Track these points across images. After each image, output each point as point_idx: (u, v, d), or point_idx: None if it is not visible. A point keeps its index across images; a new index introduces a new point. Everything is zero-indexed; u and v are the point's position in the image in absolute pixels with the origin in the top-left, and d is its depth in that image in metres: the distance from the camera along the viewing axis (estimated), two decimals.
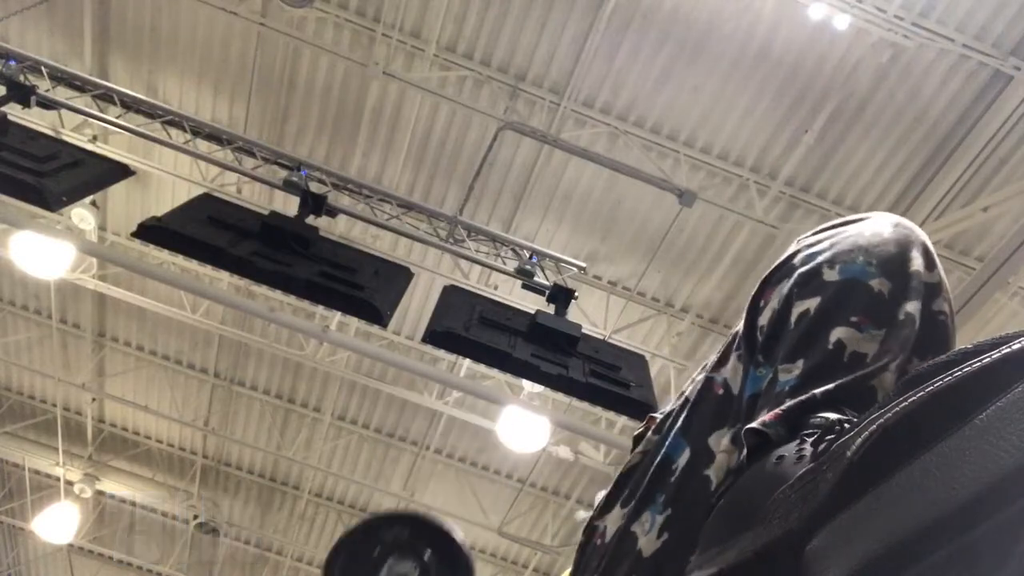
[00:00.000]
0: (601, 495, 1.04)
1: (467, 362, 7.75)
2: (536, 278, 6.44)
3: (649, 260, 7.42)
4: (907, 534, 0.47)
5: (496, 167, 7.07)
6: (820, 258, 0.88)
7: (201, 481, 10.51)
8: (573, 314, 6.25)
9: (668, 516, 0.89)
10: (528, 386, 7.43)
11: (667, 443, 0.96)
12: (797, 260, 0.91)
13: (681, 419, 0.97)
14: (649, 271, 7.51)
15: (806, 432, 0.69)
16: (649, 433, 1.03)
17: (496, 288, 7.30)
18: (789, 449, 0.67)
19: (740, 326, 0.97)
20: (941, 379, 0.52)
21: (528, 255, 6.60)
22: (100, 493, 10.66)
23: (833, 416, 0.70)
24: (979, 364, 0.50)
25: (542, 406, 7.45)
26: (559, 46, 6.51)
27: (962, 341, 0.72)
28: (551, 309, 6.22)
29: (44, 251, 6.83)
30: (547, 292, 6.32)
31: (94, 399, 9.85)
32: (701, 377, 0.99)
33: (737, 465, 0.74)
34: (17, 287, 9.01)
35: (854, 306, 0.82)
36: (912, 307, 0.82)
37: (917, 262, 0.86)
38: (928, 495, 0.48)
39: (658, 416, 1.05)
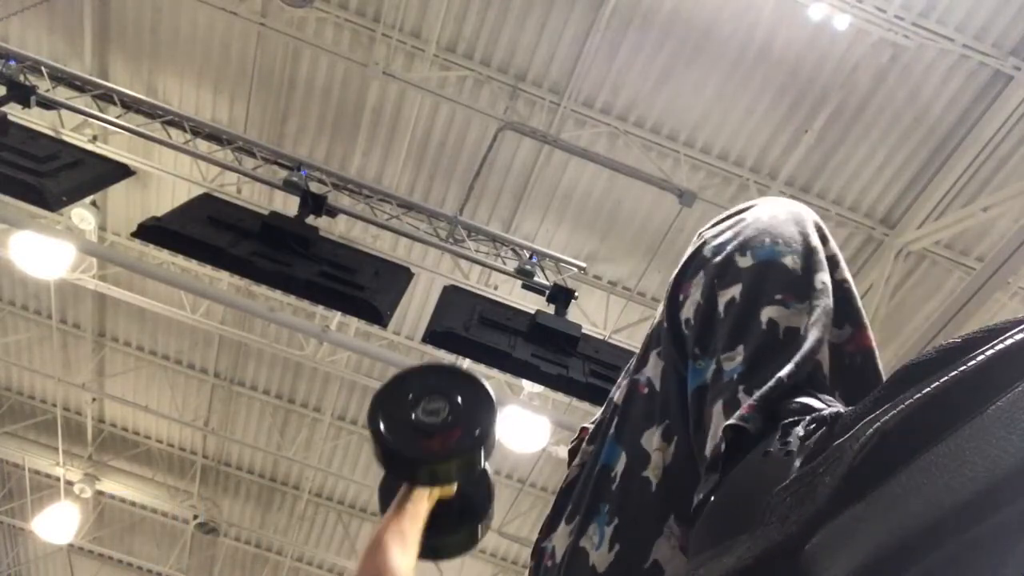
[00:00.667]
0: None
1: (467, 362, 7.74)
2: (536, 278, 6.44)
3: (649, 260, 7.42)
4: (907, 534, 0.47)
5: (496, 167, 7.07)
6: (729, 247, 0.90)
7: (201, 481, 10.51)
8: (573, 314, 6.25)
9: (616, 526, 0.88)
10: (528, 386, 7.42)
11: (603, 451, 0.96)
12: (707, 252, 0.93)
13: (613, 425, 0.97)
14: (649, 271, 7.51)
15: (786, 421, 0.68)
16: (584, 444, 1.03)
17: (496, 288, 7.30)
18: (773, 443, 0.67)
19: (656, 323, 0.98)
20: (936, 379, 0.52)
21: (528, 255, 6.60)
22: (100, 493, 10.65)
23: (811, 403, 0.71)
24: (974, 365, 0.50)
25: (542, 406, 7.45)
26: (559, 46, 6.51)
27: None
28: (551, 309, 6.22)
29: (44, 251, 6.83)
30: (547, 292, 6.32)
31: (94, 399, 9.84)
32: (625, 382, 1.00)
33: (711, 462, 0.74)
34: (17, 287, 9.01)
35: (775, 285, 0.84)
36: (824, 277, 0.85)
37: (814, 237, 0.89)
38: (928, 495, 0.47)
39: (589, 426, 1.05)
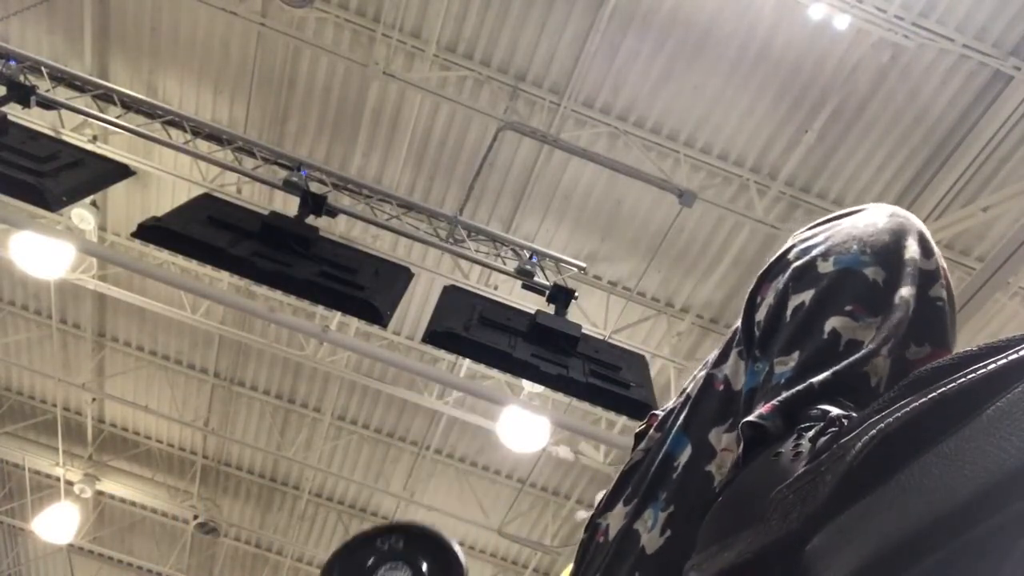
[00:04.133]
0: (602, 495, 1.04)
1: (467, 362, 7.75)
2: (536, 278, 6.44)
3: (649, 260, 7.42)
4: (907, 534, 0.47)
5: (496, 167, 7.07)
6: (815, 251, 0.88)
7: (201, 481, 10.51)
8: (573, 314, 6.25)
9: (671, 513, 0.89)
10: (528, 386, 7.43)
11: (669, 440, 0.96)
12: (792, 255, 0.91)
13: (683, 416, 0.97)
14: (649, 271, 7.51)
15: (802, 426, 0.68)
16: (651, 431, 1.03)
17: (496, 288, 7.30)
18: (786, 445, 0.67)
19: (739, 323, 0.97)
20: (944, 385, 0.51)
21: (528, 255, 6.60)
22: (100, 493, 10.66)
23: (830, 409, 0.70)
24: (984, 372, 0.50)
25: (542, 406, 7.45)
26: (559, 46, 6.51)
27: (962, 341, 0.72)
28: (551, 309, 6.22)
29: (44, 251, 6.83)
30: (547, 292, 6.32)
31: (94, 399, 9.85)
32: (702, 374, 0.99)
33: (735, 460, 0.74)
34: (17, 287, 9.01)
35: (848, 295, 0.82)
36: (906, 292, 0.82)
37: (912, 249, 0.86)
38: (928, 495, 0.48)
39: (660, 413, 1.05)
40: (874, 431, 0.53)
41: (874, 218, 0.89)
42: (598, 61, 6.49)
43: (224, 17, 6.68)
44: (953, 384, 0.51)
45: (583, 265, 6.79)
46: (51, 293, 8.67)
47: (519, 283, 6.53)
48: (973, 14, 5.71)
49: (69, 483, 10.36)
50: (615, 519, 0.97)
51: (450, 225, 6.63)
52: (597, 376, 5.70)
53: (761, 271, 0.95)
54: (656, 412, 1.06)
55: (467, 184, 6.83)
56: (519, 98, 6.80)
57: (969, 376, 0.50)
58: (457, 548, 0.81)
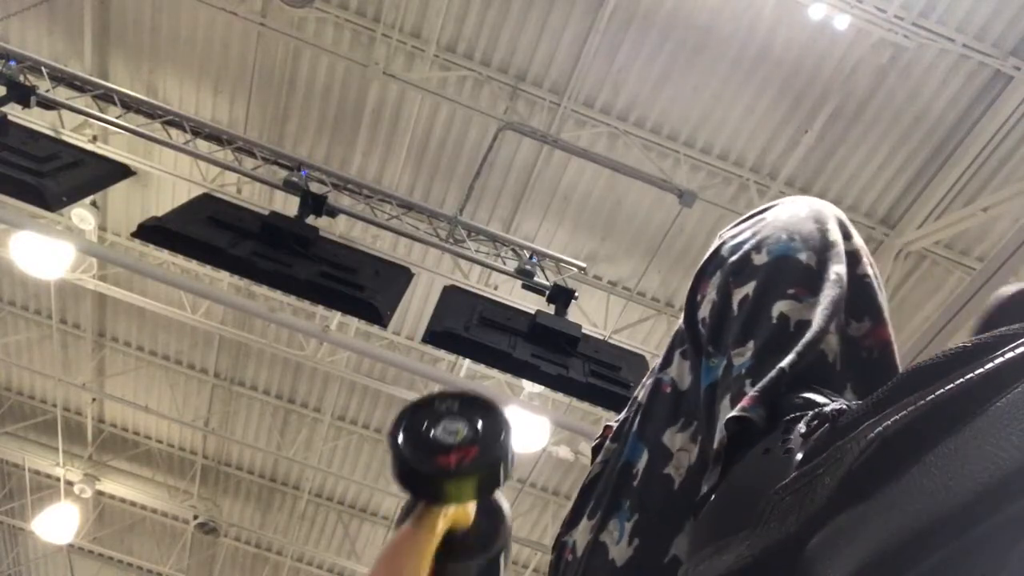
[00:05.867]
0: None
1: (467, 362, 7.75)
2: (536, 278, 6.44)
3: (649, 260, 7.42)
4: (907, 535, 0.47)
5: (496, 167, 7.07)
6: (746, 246, 0.91)
7: (201, 481, 10.51)
8: (573, 314, 6.25)
9: (636, 521, 0.89)
10: (528, 386, 7.43)
11: (626, 448, 0.97)
12: (724, 251, 0.94)
13: (636, 423, 0.98)
14: (649, 271, 7.51)
15: (788, 418, 0.69)
16: (607, 442, 1.04)
17: (496, 288, 7.30)
18: (775, 440, 0.67)
19: (680, 323, 0.99)
20: (940, 386, 0.51)
21: (528, 255, 6.60)
22: (100, 493, 10.65)
23: (814, 398, 0.70)
24: (981, 372, 0.50)
25: (542, 406, 7.45)
26: (559, 46, 6.51)
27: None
28: (551, 309, 6.22)
29: (44, 251, 6.84)
30: (547, 292, 6.32)
31: (94, 399, 9.85)
32: (649, 381, 1.01)
33: (713, 456, 0.74)
34: (17, 287, 9.01)
35: (788, 280, 0.85)
36: (839, 269, 0.85)
37: (835, 233, 0.89)
38: (928, 496, 0.47)
39: (613, 424, 1.06)
40: (872, 434, 0.53)
41: (795, 209, 0.93)
42: (598, 61, 6.49)
43: (224, 17, 6.68)
44: (951, 386, 0.51)
45: (583, 265, 6.79)
46: (51, 293, 8.67)
47: (519, 283, 6.53)
48: (973, 14, 5.71)
49: (69, 483, 10.36)
50: (581, 535, 0.97)
51: (450, 225, 6.63)
52: (597, 376, 5.70)
53: (697, 270, 0.97)
54: (610, 423, 1.07)
55: (467, 184, 6.83)
56: (519, 98, 6.80)
57: (967, 377, 0.50)
58: (503, 408, 0.90)
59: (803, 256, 0.86)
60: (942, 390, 0.51)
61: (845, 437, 0.56)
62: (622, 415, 1.05)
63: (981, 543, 0.45)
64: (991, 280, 5.15)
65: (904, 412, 0.52)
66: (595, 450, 1.06)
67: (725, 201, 6.85)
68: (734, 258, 0.91)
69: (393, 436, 0.87)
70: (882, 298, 0.88)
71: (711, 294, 0.92)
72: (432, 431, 0.86)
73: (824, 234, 0.88)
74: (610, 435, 1.04)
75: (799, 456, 0.62)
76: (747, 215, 0.98)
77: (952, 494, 0.46)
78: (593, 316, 7.49)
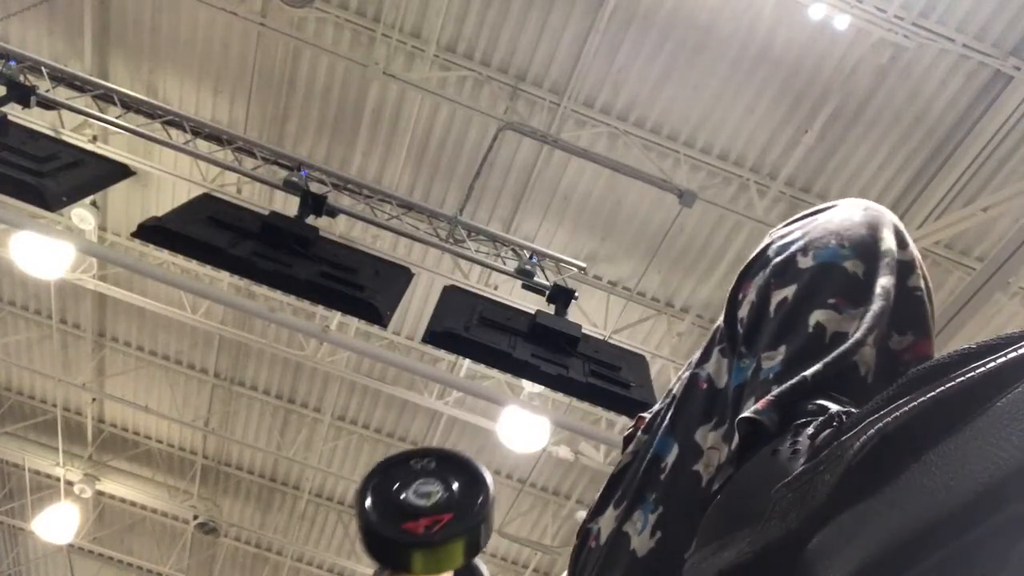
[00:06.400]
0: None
1: (467, 362, 7.75)
2: (536, 278, 6.44)
3: (649, 260, 7.42)
4: (908, 535, 0.47)
5: (496, 167, 7.07)
6: (794, 247, 0.89)
7: (201, 481, 10.51)
8: (573, 314, 6.25)
9: (660, 514, 0.89)
10: (528, 386, 7.43)
11: (656, 441, 0.96)
12: (771, 251, 0.92)
13: (668, 417, 0.97)
14: (649, 271, 7.51)
15: (799, 422, 0.68)
16: (639, 433, 1.03)
17: (496, 288, 7.30)
18: (783, 442, 0.67)
19: (721, 321, 0.98)
20: (942, 384, 0.51)
21: (528, 255, 6.60)
22: (100, 493, 10.65)
23: (827, 405, 0.70)
24: (983, 370, 0.50)
25: (542, 406, 7.44)
26: (559, 46, 6.51)
27: (962, 341, 0.72)
28: (551, 309, 6.22)
29: (44, 251, 6.83)
30: (547, 292, 6.32)
31: (94, 399, 9.85)
32: (686, 374, 1.00)
33: (728, 457, 0.74)
34: (17, 287, 9.01)
35: (831, 288, 0.83)
36: (886, 282, 0.83)
37: (889, 241, 0.87)
38: (928, 495, 0.48)
39: (647, 416, 1.05)
40: (873, 430, 0.53)
41: (849, 213, 0.91)
42: (598, 61, 6.49)
43: (224, 17, 6.68)
44: (952, 383, 0.51)
45: (583, 265, 6.78)
46: (51, 293, 8.67)
47: (519, 283, 6.53)
48: (973, 14, 5.71)
49: (69, 483, 10.36)
50: (606, 523, 0.97)
51: (450, 225, 6.63)
52: (597, 376, 5.69)
53: (741, 269, 0.95)
54: (643, 414, 1.07)
55: (467, 184, 6.83)
56: (519, 98, 6.80)
57: (968, 375, 0.50)
58: (484, 470, 0.84)
59: (849, 264, 0.84)
60: (943, 388, 0.51)
61: (848, 434, 0.57)
62: (656, 406, 1.04)
63: (981, 543, 0.45)
64: (991, 280, 5.15)
65: (904, 410, 0.52)
66: (627, 440, 1.05)
67: (725, 201, 6.85)
68: (779, 258, 0.89)
69: (360, 496, 0.81)
70: (930, 312, 0.85)
71: (751, 294, 0.91)
72: (403, 493, 0.80)
73: (876, 243, 0.86)
74: (643, 426, 1.03)
75: (803, 457, 0.62)
76: (801, 215, 0.96)
77: (952, 493, 0.46)
78: (593, 316, 7.49)
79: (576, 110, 6.76)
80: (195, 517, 10.56)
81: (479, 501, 0.80)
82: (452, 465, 0.84)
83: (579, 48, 6.44)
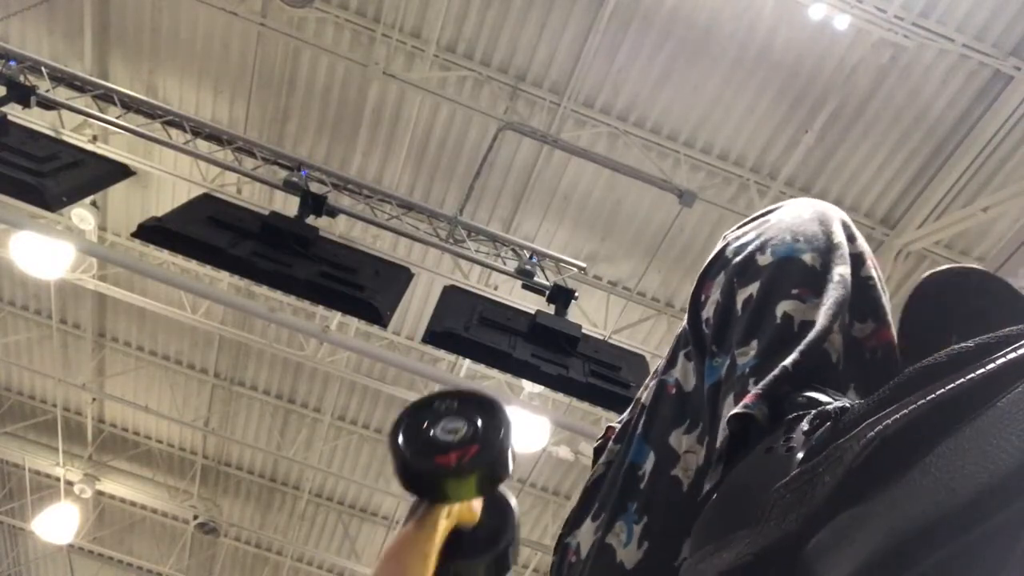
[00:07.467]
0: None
1: (467, 362, 7.75)
2: (536, 278, 6.44)
3: (649, 260, 7.42)
4: (908, 535, 0.47)
5: (496, 167, 7.07)
6: (751, 247, 0.91)
7: (201, 481, 10.51)
8: (573, 314, 6.25)
9: (645, 524, 0.89)
10: (528, 386, 7.42)
11: (631, 450, 0.97)
12: (729, 252, 0.94)
13: (641, 424, 0.98)
14: (649, 271, 7.51)
15: (790, 416, 0.69)
16: (610, 443, 1.03)
17: (496, 288, 7.30)
18: (776, 439, 0.67)
19: (684, 325, 0.99)
20: (941, 386, 0.51)
21: (528, 255, 6.60)
22: (100, 493, 10.65)
23: (817, 397, 0.71)
24: (982, 372, 0.50)
25: (542, 406, 7.45)
26: (559, 46, 6.51)
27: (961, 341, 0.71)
28: (551, 309, 6.22)
29: (44, 251, 6.83)
30: (547, 292, 6.32)
31: (94, 399, 9.84)
32: (653, 382, 1.01)
33: (717, 455, 0.74)
34: (17, 287, 9.01)
35: (792, 280, 0.85)
36: (843, 271, 0.85)
37: (839, 235, 0.90)
38: (928, 496, 0.47)
39: (616, 425, 1.05)
40: (873, 432, 0.53)
41: (798, 211, 0.94)
42: (598, 61, 6.49)
43: (224, 17, 6.67)
44: (952, 385, 0.51)
45: (583, 265, 6.78)
46: (51, 293, 8.67)
47: (519, 283, 6.53)
48: (973, 14, 5.71)
49: (69, 483, 10.35)
50: (585, 536, 0.96)
51: (450, 225, 6.62)
52: (597, 376, 5.69)
53: (701, 271, 0.98)
54: (612, 424, 1.07)
55: (467, 184, 6.83)
56: (519, 98, 6.80)
57: (969, 377, 0.50)
58: (502, 404, 0.91)
59: (807, 257, 0.86)
60: (943, 390, 0.51)
61: (846, 436, 0.57)
62: (624, 416, 1.05)
63: (981, 543, 0.45)
64: None
65: (904, 412, 0.52)
66: (597, 451, 1.06)
67: (725, 201, 6.85)
68: (738, 259, 0.91)
69: (393, 437, 0.88)
70: (885, 300, 0.88)
71: (715, 295, 0.92)
72: (432, 431, 0.87)
73: (829, 236, 0.89)
74: (613, 436, 1.04)
75: (800, 455, 0.62)
76: (751, 217, 0.98)
77: (952, 494, 0.46)
78: (593, 316, 7.49)
79: (576, 110, 6.76)
80: (195, 517, 10.56)
81: (501, 432, 0.87)
82: (473, 403, 0.91)
83: (579, 48, 6.44)
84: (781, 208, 0.96)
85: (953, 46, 5.82)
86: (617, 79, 6.59)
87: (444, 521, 0.87)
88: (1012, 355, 0.50)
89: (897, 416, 0.52)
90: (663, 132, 6.82)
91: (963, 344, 0.54)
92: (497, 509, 0.97)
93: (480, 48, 6.67)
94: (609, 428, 1.07)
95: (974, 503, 0.45)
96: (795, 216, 0.93)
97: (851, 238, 0.90)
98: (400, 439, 0.87)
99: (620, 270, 7.62)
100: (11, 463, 10.79)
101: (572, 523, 1.01)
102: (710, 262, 0.97)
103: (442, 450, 0.85)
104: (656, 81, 6.54)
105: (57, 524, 10.11)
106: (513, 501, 0.99)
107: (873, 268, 0.89)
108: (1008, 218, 6.04)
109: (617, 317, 7.67)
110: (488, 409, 0.90)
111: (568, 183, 7.17)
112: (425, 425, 0.88)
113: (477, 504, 0.93)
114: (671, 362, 1.00)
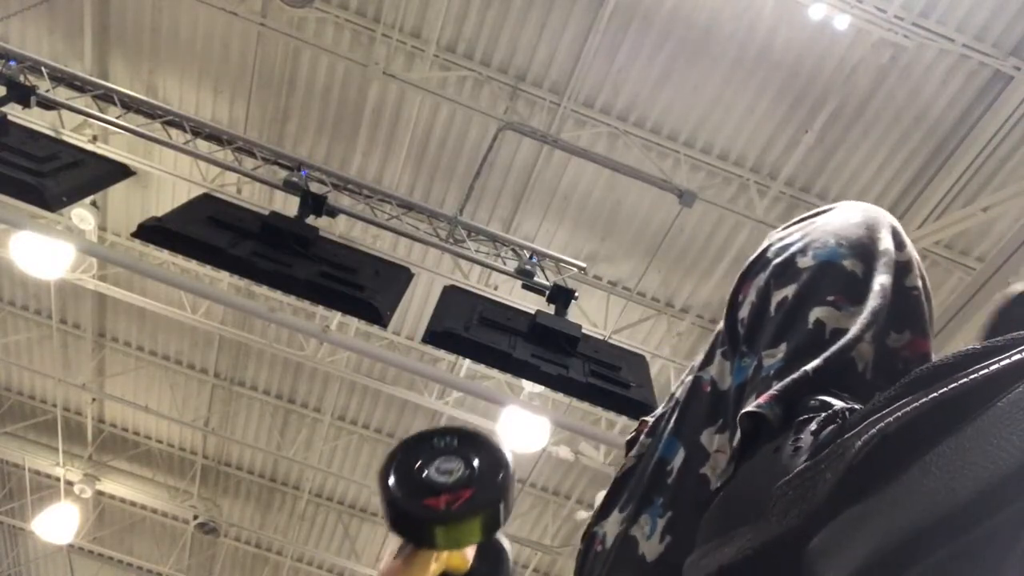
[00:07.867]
0: (601, 496, 1.04)
1: (467, 362, 7.75)
2: (536, 278, 6.44)
3: (649, 260, 7.42)
4: (908, 534, 0.47)
5: (496, 167, 7.07)
6: (793, 248, 0.90)
7: (201, 481, 10.51)
8: (573, 314, 6.25)
9: (669, 518, 0.89)
10: (528, 386, 7.43)
11: (661, 445, 0.96)
12: (770, 253, 0.93)
13: (673, 420, 0.98)
14: (649, 271, 7.51)
15: (801, 418, 0.69)
16: (642, 437, 1.03)
17: (496, 288, 7.30)
18: (785, 440, 0.67)
19: (722, 323, 0.98)
20: (944, 385, 0.51)
21: (528, 255, 6.60)
22: (100, 493, 10.65)
23: (830, 401, 0.70)
24: (985, 372, 0.50)
25: (542, 406, 7.44)
26: (559, 46, 6.51)
27: (962, 341, 0.72)
28: (551, 309, 6.22)
29: (44, 251, 6.83)
30: (547, 292, 6.32)
31: (94, 399, 9.85)
32: (689, 378, 1.00)
33: (730, 455, 0.74)
34: (17, 287, 9.01)
35: (830, 286, 0.84)
36: (884, 280, 0.84)
37: (886, 242, 0.88)
38: (929, 495, 0.48)
39: (650, 420, 1.05)
40: (874, 430, 0.53)
41: (847, 214, 0.92)
42: (598, 61, 6.49)
43: (224, 17, 6.68)
44: (954, 385, 0.51)
45: (583, 265, 6.78)
46: (51, 293, 8.67)
47: (519, 283, 6.53)
48: (973, 14, 5.71)
49: (69, 483, 10.36)
50: (611, 527, 0.97)
51: (450, 225, 6.63)
52: (597, 376, 5.69)
53: (741, 271, 0.96)
54: (646, 418, 1.07)
55: (467, 184, 6.83)
56: (519, 98, 6.80)
57: (971, 377, 0.50)
58: (505, 448, 0.86)
59: (848, 263, 0.85)
60: (944, 388, 0.51)
61: (849, 433, 0.57)
62: (659, 410, 1.04)
63: (982, 543, 0.45)
64: (991, 280, 5.15)
65: (906, 410, 0.52)
66: (629, 443, 1.06)
67: (725, 201, 6.85)
68: (779, 260, 0.90)
69: (383, 473, 0.82)
70: (927, 310, 0.86)
71: (751, 295, 0.91)
72: (425, 470, 0.82)
73: (874, 243, 0.87)
74: (646, 430, 1.04)
75: (805, 455, 0.62)
76: (799, 218, 0.97)
77: (953, 493, 0.46)
78: (593, 316, 7.49)
79: (576, 110, 6.76)
80: (195, 517, 10.56)
81: (499, 478, 0.82)
82: (473, 443, 0.85)
83: (579, 48, 6.45)
84: (831, 210, 0.95)
85: (953, 46, 5.82)
86: (617, 79, 6.59)
87: (433, 567, 0.82)
88: (1015, 356, 0.50)
89: (899, 414, 0.53)
90: (663, 132, 6.82)
91: (972, 346, 0.54)
92: (490, 557, 0.92)
93: (480, 48, 6.67)
94: (643, 422, 1.07)
95: (974, 503, 0.45)
96: (843, 219, 0.91)
97: (900, 245, 0.89)
98: (390, 476, 0.82)
99: (620, 270, 7.62)
100: (11, 463, 10.79)
101: (601, 513, 1.01)
102: (751, 262, 0.96)
103: (433, 492, 0.80)
104: (656, 81, 6.54)
105: (57, 524, 10.11)
106: (508, 547, 0.95)
107: (919, 277, 0.88)
108: (1008, 218, 6.04)
109: (617, 317, 7.67)
110: (488, 450, 0.85)
111: (568, 183, 7.17)
112: (419, 464, 0.83)
113: (470, 550, 0.88)
114: (708, 359, 0.99)
